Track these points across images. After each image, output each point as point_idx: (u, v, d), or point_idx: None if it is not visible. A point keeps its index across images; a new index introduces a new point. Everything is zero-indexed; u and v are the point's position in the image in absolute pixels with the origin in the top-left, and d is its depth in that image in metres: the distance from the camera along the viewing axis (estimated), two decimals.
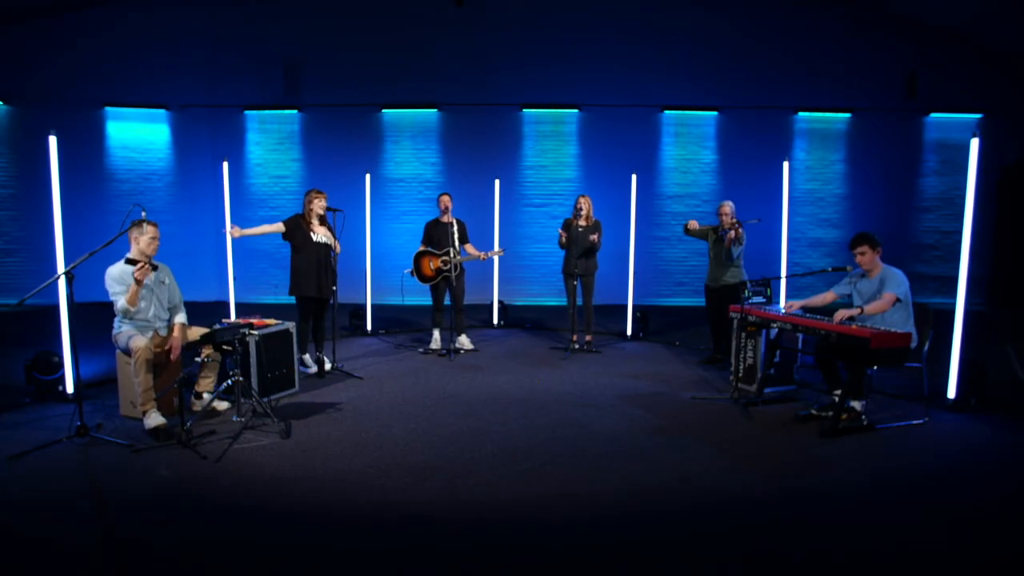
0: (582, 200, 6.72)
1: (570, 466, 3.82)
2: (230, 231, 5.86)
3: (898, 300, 4.43)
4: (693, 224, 6.55)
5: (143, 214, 4.35)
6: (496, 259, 8.14)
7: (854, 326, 4.36)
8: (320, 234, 5.82)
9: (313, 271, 5.75)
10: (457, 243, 6.63)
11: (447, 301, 6.85)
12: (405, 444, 4.14)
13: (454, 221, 6.70)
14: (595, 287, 6.88)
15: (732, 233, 5.96)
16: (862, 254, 4.64)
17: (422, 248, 6.79)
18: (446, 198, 6.80)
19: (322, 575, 2.70)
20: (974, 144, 4.80)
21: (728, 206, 6.13)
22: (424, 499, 3.37)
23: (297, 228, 5.79)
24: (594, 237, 6.54)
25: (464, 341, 6.94)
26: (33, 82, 9.94)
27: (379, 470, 3.73)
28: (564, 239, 6.75)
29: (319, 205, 5.80)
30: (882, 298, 4.45)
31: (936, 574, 2.79)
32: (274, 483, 3.55)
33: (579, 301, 6.88)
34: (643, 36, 10.32)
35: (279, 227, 5.83)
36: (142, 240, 4.43)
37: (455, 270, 6.62)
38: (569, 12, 10.27)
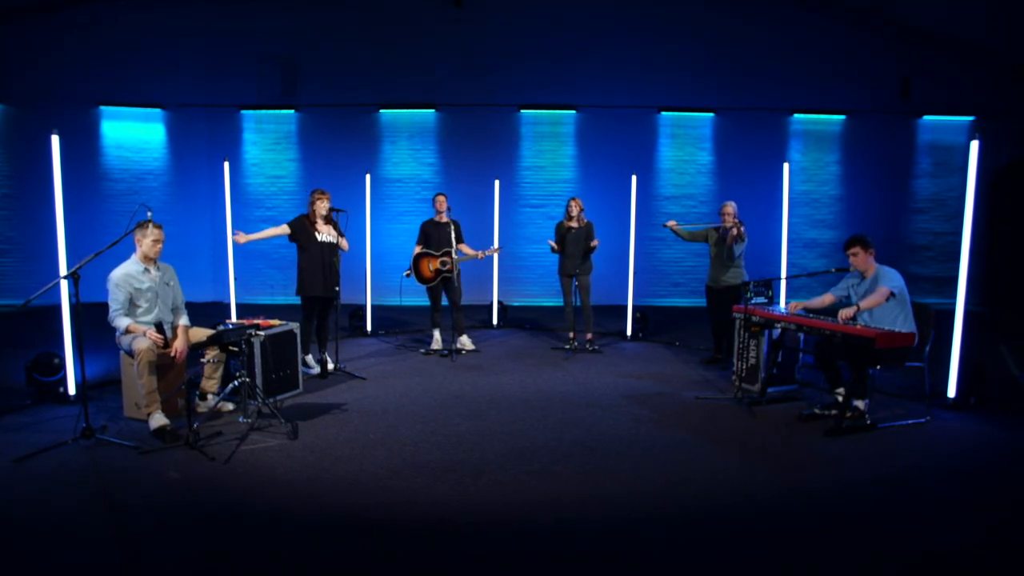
0: (573, 203, 6.83)
1: (579, 466, 3.84)
2: (235, 238, 5.83)
3: (892, 295, 4.48)
4: (672, 224, 6.68)
5: (149, 214, 4.32)
6: (496, 258, 8.16)
7: (859, 326, 4.40)
8: (325, 233, 5.82)
9: (319, 271, 5.75)
10: (454, 244, 6.65)
11: (444, 302, 6.87)
12: (413, 445, 4.14)
13: (450, 222, 6.71)
14: (592, 286, 6.96)
15: (734, 230, 6.02)
16: (854, 255, 4.70)
17: (419, 250, 6.77)
18: (443, 198, 6.82)
19: None
20: (974, 146, 4.85)
21: (731, 206, 6.20)
22: (435, 500, 3.37)
23: (302, 229, 5.79)
24: (594, 243, 6.74)
25: (465, 341, 6.94)
26: (27, 81, 9.84)
27: (389, 471, 3.73)
28: (555, 248, 6.89)
29: (322, 206, 5.80)
30: (876, 292, 4.50)
31: (943, 572, 2.82)
32: (284, 485, 3.54)
33: (576, 301, 6.94)
34: (640, 37, 10.36)
35: (284, 229, 5.83)
36: (144, 243, 4.40)
37: (454, 271, 6.64)
38: (567, 13, 10.29)
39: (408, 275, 6.77)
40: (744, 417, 4.78)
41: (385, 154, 10.61)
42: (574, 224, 6.79)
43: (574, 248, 6.75)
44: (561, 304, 7.17)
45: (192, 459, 3.85)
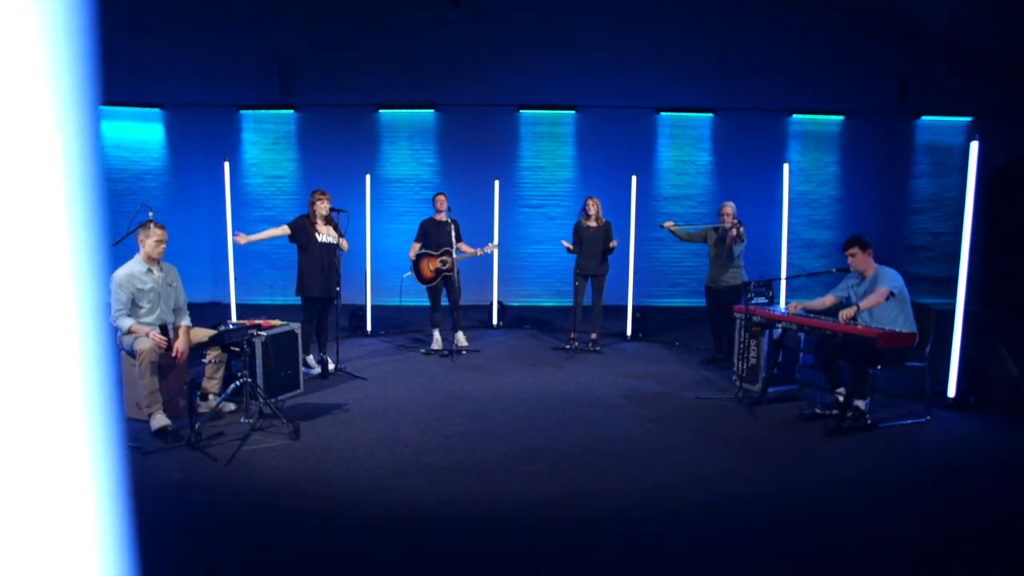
0: (590, 202, 6.83)
1: (581, 466, 3.84)
2: (235, 238, 5.83)
3: (892, 294, 4.49)
4: (669, 224, 6.71)
5: (150, 215, 4.33)
6: (496, 258, 8.17)
7: (859, 326, 4.42)
8: (325, 233, 5.83)
9: (318, 271, 5.75)
10: (454, 243, 6.66)
11: (444, 301, 6.88)
12: (416, 445, 4.14)
13: (450, 221, 6.73)
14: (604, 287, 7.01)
15: (734, 231, 6.04)
16: (853, 255, 4.71)
17: (419, 249, 6.78)
18: (443, 198, 6.85)
19: None
20: (973, 147, 4.87)
21: (729, 206, 6.22)
22: (439, 500, 3.38)
23: (302, 229, 5.79)
24: (613, 243, 6.74)
25: (460, 338, 6.95)
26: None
27: (392, 472, 3.73)
28: (571, 248, 6.91)
29: (323, 206, 5.80)
30: (876, 292, 4.51)
31: (944, 571, 2.83)
32: (286, 486, 3.54)
33: (587, 301, 6.97)
34: (639, 38, 10.36)
35: (284, 230, 5.83)
36: (148, 243, 4.41)
37: (454, 269, 6.65)
38: (565, 13, 10.29)
39: (408, 275, 6.79)
40: (745, 417, 4.79)
41: (384, 154, 10.60)
42: (592, 224, 6.80)
43: (592, 248, 6.76)
44: (567, 304, 7.18)
45: (194, 459, 3.85)
